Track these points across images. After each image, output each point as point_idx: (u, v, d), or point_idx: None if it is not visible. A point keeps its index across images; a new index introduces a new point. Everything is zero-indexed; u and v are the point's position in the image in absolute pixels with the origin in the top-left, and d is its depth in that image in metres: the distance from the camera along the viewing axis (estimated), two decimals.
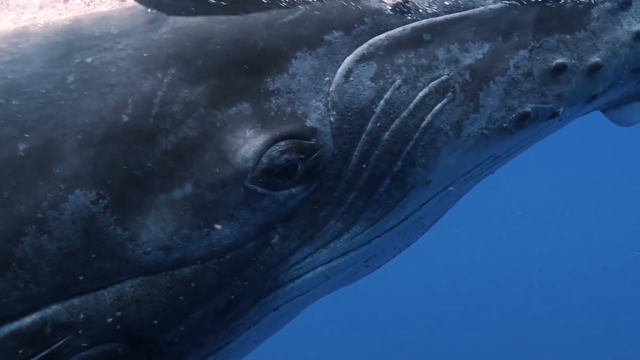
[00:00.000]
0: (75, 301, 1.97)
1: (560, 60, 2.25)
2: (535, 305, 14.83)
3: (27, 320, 1.93)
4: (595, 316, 14.29)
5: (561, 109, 2.29)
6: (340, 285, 2.46)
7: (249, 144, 2.02)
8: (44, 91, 1.96)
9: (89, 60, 2.02)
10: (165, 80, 2.02)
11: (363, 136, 2.13)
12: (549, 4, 2.25)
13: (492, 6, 2.23)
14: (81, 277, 1.95)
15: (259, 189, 2.05)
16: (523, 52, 2.23)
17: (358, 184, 2.16)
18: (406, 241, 2.47)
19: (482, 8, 2.22)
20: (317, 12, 2.14)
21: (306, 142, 2.07)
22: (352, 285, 2.52)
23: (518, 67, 2.22)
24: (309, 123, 2.08)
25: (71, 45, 2.03)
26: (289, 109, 2.07)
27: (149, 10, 2.10)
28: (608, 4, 2.30)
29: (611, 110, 2.59)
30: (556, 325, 14.28)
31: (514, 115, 2.24)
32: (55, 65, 2.00)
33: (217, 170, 2.01)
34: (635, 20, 2.34)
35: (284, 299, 2.27)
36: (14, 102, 1.93)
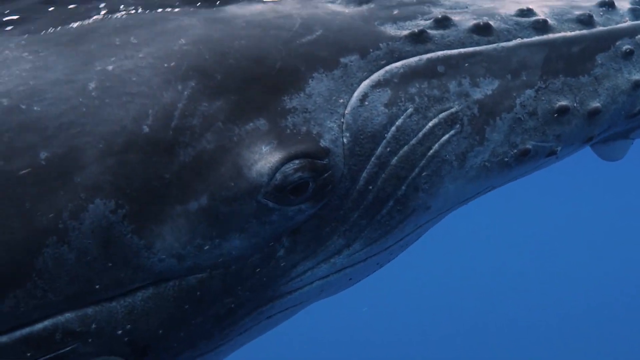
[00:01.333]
0: (89, 310, 1.99)
1: (563, 102, 2.36)
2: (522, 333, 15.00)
3: (39, 326, 1.94)
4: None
5: (559, 148, 2.41)
6: (325, 297, 2.55)
7: (264, 159, 2.06)
8: (65, 97, 1.95)
9: (110, 67, 2.02)
10: (185, 92, 2.04)
11: (372, 159, 2.20)
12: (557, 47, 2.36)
13: (504, 44, 2.32)
14: (97, 286, 1.97)
15: (270, 204, 2.10)
16: (530, 92, 2.33)
17: (363, 204, 2.24)
18: (389, 257, 2.56)
19: (494, 45, 2.31)
20: (334, 35, 2.20)
21: (319, 161, 2.12)
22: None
23: (524, 105, 2.32)
24: (322, 143, 2.13)
25: (92, 53, 2.03)
26: (304, 128, 2.12)
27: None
28: (612, 52, 2.43)
29: (598, 145, 2.73)
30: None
31: (515, 151, 2.35)
32: (76, 71, 1.99)
33: (232, 184, 2.05)
34: (636, 69, 2.47)
35: (279, 309, 2.34)
36: (35, 108, 1.91)
